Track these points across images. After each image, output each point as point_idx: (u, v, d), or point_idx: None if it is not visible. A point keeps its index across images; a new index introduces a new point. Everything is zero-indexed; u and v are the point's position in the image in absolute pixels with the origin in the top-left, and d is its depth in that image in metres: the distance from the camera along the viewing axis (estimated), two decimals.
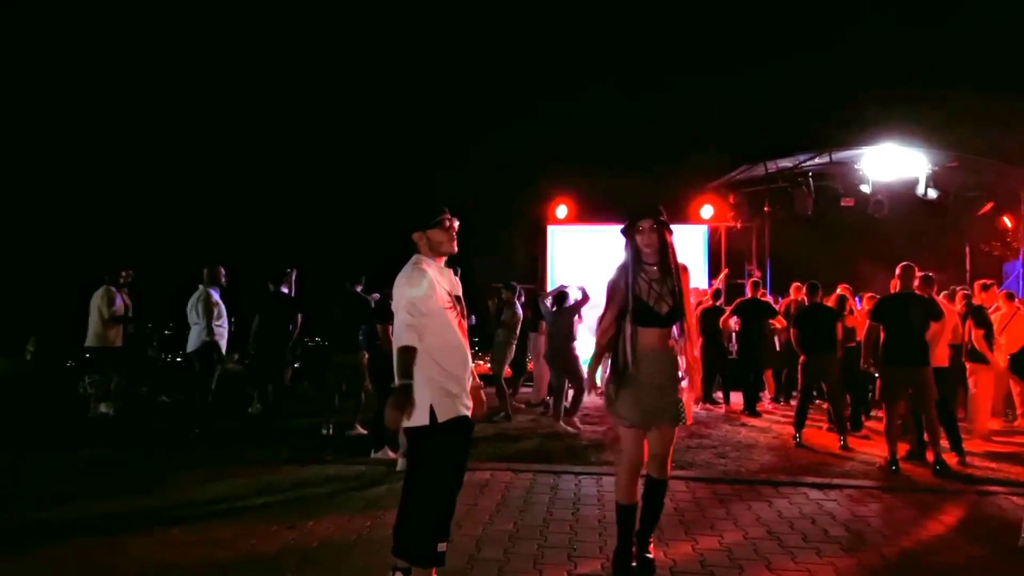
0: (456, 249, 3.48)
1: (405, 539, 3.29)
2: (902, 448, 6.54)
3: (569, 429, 8.03)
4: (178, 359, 11.89)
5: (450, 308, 3.35)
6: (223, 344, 8.01)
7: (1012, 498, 5.43)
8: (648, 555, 3.78)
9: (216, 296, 7.89)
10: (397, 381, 3.18)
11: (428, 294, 3.25)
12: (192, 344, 7.81)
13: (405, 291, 3.23)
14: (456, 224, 3.48)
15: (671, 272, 3.60)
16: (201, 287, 7.89)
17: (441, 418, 3.22)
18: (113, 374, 8.95)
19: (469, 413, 3.37)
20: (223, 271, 8.04)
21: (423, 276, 3.27)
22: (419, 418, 3.22)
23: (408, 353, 3.16)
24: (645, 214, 3.56)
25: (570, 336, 8.41)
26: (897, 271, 6.60)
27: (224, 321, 7.98)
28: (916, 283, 6.55)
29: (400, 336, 3.19)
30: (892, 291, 6.70)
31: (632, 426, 3.65)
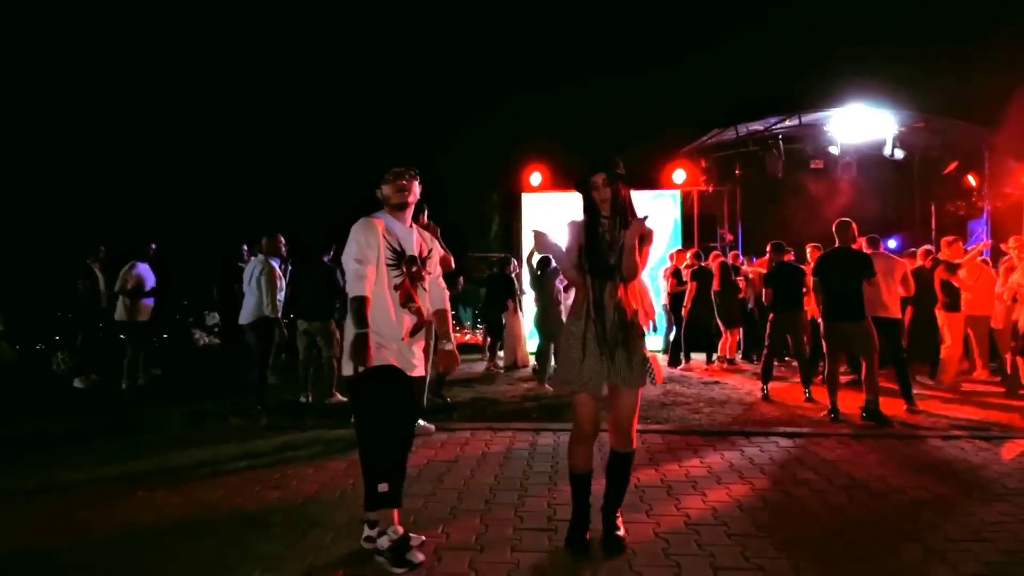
0: (406, 201, 3.53)
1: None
2: (862, 398, 6.80)
3: (551, 390, 8.18)
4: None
5: (392, 265, 3.43)
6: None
7: (975, 441, 5.66)
8: (617, 532, 3.56)
9: (277, 267, 7.31)
10: (353, 331, 3.25)
11: (370, 246, 3.35)
12: (248, 316, 7.19)
13: (351, 242, 3.36)
14: (410, 180, 3.55)
15: (624, 226, 3.43)
16: (260, 256, 7.30)
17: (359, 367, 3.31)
18: (131, 349, 8.86)
19: (402, 368, 3.41)
20: (283, 240, 7.52)
21: (369, 229, 3.38)
22: (346, 368, 3.37)
23: (360, 303, 3.26)
24: (598, 169, 3.44)
25: (554, 300, 8.53)
26: (834, 228, 6.74)
27: (282, 295, 7.37)
28: (854, 239, 6.71)
29: (352, 286, 3.30)
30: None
31: (579, 391, 3.42)
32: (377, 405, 3.38)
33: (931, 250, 9.27)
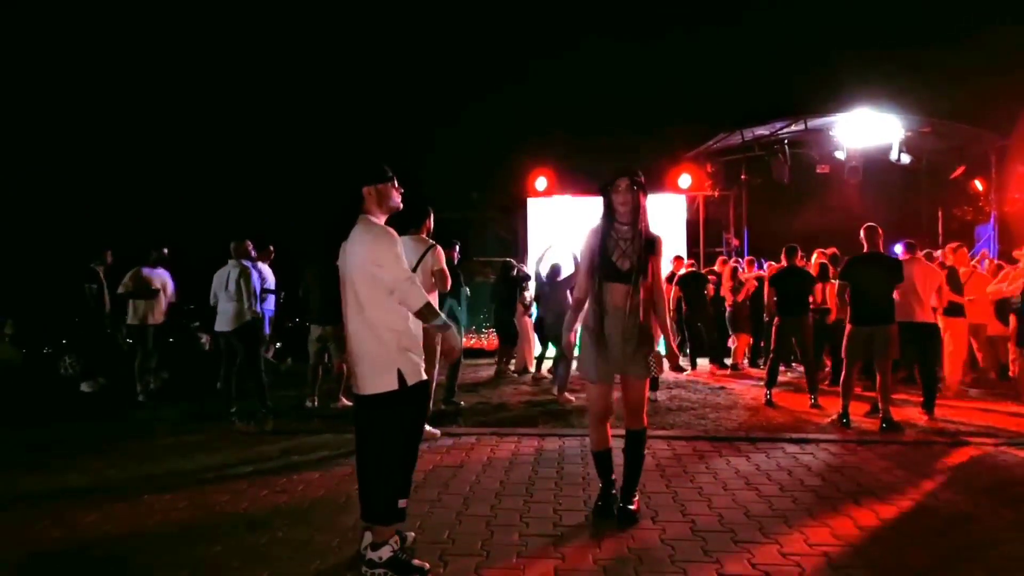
0: (400, 207, 3.49)
1: (371, 501, 3.32)
2: (866, 405, 6.82)
3: (568, 397, 8.07)
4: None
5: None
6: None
7: (983, 447, 5.64)
8: (630, 507, 3.92)
9: (253, 269, 7.21)
10: (439, 323, 3.33)
11: (406, 257, 3.33)
12: (231, 322, 7.05)
13: (399, 255, 3.26)
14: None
15: (639, 233, 3.72)
16: (232, 260, 7.17)
17: (410, 382, 3.26)
18: (142, 352, 8.84)
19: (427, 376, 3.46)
20: (251, 244, 7.42)
21: (398, 240, 3.32)
22: (388, 383, 3.24)
23: (430, 304, 3.28)
24: (622, 173, 3.70)
25: (565, 310, 8.48)
26: (861, 233, 6.72)
27: (262, 295, 7.28)
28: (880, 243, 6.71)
29: (418, 293, 3.23)
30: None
31: (594, 382, 3.85)
32: (416, 422, 3.39)
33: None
